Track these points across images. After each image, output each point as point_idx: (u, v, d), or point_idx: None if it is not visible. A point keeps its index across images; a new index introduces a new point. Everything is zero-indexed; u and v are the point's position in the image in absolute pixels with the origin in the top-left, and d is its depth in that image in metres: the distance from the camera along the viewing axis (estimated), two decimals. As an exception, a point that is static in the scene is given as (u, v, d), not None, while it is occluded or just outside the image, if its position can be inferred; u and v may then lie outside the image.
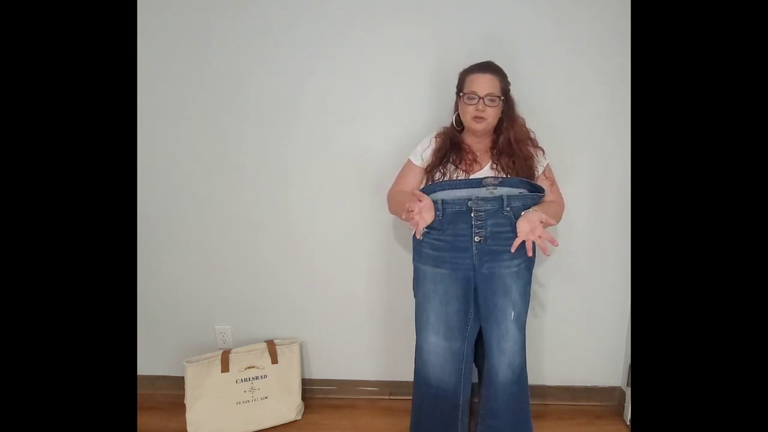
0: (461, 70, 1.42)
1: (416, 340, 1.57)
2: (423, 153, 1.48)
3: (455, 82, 1.44)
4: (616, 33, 1.54)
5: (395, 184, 1.55)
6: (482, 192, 1.38)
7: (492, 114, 1.38)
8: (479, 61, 1.41)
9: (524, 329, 1.48)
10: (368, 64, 1.63)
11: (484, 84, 1.36)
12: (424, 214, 1.31)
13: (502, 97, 1.38)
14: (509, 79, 1.42)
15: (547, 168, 1.48)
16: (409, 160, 1.52)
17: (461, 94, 1.40)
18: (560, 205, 1.51)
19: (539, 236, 1.29)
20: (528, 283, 1.48)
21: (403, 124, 1.67)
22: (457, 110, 1.44)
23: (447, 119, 1.52)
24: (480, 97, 1.35)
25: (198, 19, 1.62)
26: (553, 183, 1.50)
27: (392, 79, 1.64)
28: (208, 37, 1.64)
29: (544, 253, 1.28)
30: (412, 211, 1.29)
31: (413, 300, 1.58)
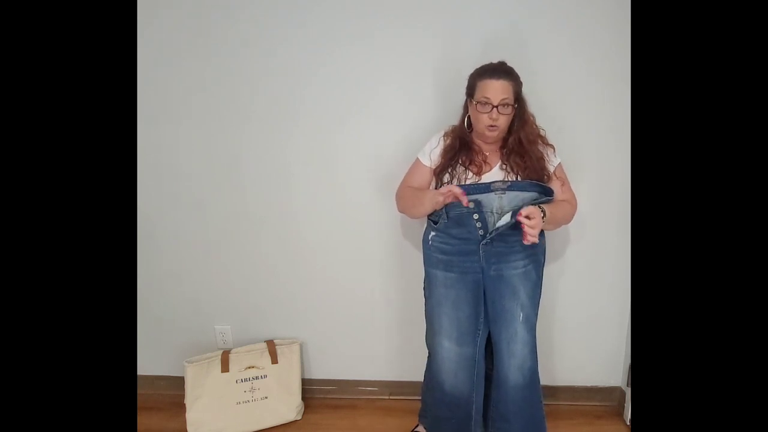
0: (472, 71, 1.38)
1: (429, 345, 1.56)
2: (431, 153, 1.45)
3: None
4: (617, 33, 1.54)
5: (404, 182, 1.53)
6: (491, 196, 1.35)
7: (505, 121, 1.35)
8: (488, 63, 1.37)
9: (534, 331, 1.46)
10: (372, 63, 1.63)
11: (498, 91, 1.31)
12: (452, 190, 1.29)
13: (515, 104, 1.34)
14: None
15: (559, 167, 1.45)
16: (417, 159, 1.49)
17: (473, 101, 1.35)
18: (572, 205, 1.47)
19: (531, 225, 1.25)
20: (537, 285, 1.46)
21: (408, 123, 1.66)
22: (467, 112, 1.41)
23: (453, 117, 1.52)
24: (494, 106, 1.31)
25: (199, 18, 1.62)
26: (564, 183, 1.46)
27: (396, 78, 1.64)
28: (208, 37, 1.64)
29: (525, 237, 1.25)
30: (444, 194, 1.30)
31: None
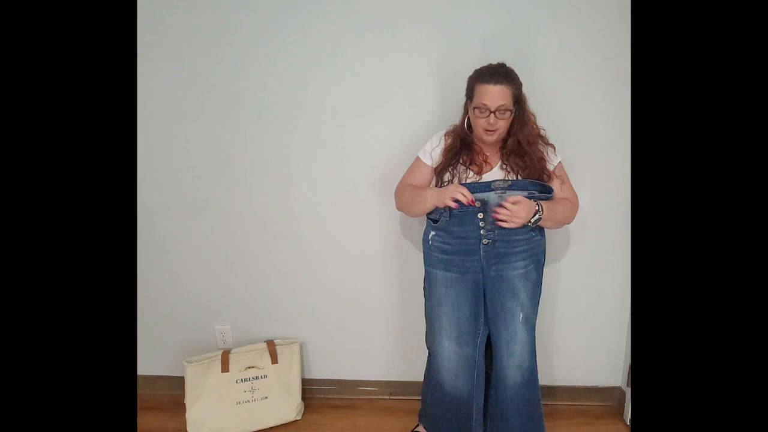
0: (471, 73, 1.37)
1: (429, 345, 1.56)
2: (432, 152, 1.46)
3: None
4: (616, 33, 1.54)
5: (403, 180, 1.53)
6: (492, 195, 1.35)
7: (503, 125, 1.34)
8: (490, 64, 1.36)
9: (533, 331, 1.47)
10: (373, 63, 1.63)
11: (495, 96, 1.30)
12: (459, 190, 1.32)
13: (513, 108, 1.34)
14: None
15: (558, 166, 1.45)
16: (418, 158, 1.50)
17: (472, 105, 1.35)
18: (573, 204, 1.46)
19: (505, 217, 1.30)
20: (537, 285, 1.46)
21: (409, 123, 1.66)
22: (467, 113, 1.40)
23: (453, 117, 1.52)
24: (491, 111, 1.31)
25: (202, 17, 1.62)
26: (564, 181, 1.45)
27: (397, 78, 1.64)
28: (213, 38, 1.64)
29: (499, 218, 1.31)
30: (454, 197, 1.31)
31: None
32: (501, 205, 1.31)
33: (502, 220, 1.32)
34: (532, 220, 1.33)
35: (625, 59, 1.55)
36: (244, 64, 1.65)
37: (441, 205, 1.37)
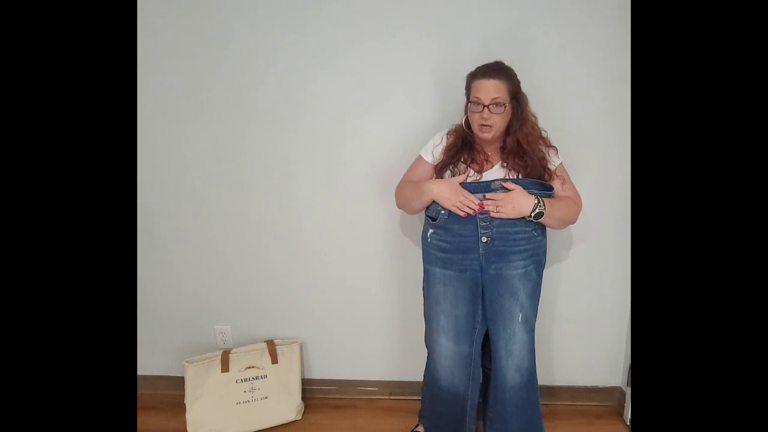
0: (468, 72, 1.38)
1: (427, 342, 1.56)
2: (434, 150, 1.46)
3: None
4: (616, 33, 1.54)
5: (404, 177, 1.54)
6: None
7: (499, 120, 1.34)
8: (487, 63, 1.37)
9: (533, 332, 1.47)
10: (373, 63, 1.63)
11: (489, 90, 1.31)
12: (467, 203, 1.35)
13: (508, 104, 1.34)
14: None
15: (559, 167, 1.45)
16: (419, 156, 1.50)
17: (468, 102, 1.37)
18: (576, 202, 1.46)
19: (491, 207, 1.33)
20: (537, 285, 1.46)
21: (409, 123, 1.67)
22: (467, 113, 1.41)
23: (453, 117, 1.52)
24: (485, 105, 1.32)
25: (202, 18, 1.62)
26: (565, 181, 1.45)
27: (398, 79, 1.64)
28: (212, 38, 1.64)
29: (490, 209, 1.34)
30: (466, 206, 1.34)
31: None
32: (485, 197, 1.33)
33: (490, 211, 1.33)
34: (533, 215, 1.33)
35: (625, 59, 1.55)
36: (244, 64, 1.66)
37: (445, 206, 1.37)
